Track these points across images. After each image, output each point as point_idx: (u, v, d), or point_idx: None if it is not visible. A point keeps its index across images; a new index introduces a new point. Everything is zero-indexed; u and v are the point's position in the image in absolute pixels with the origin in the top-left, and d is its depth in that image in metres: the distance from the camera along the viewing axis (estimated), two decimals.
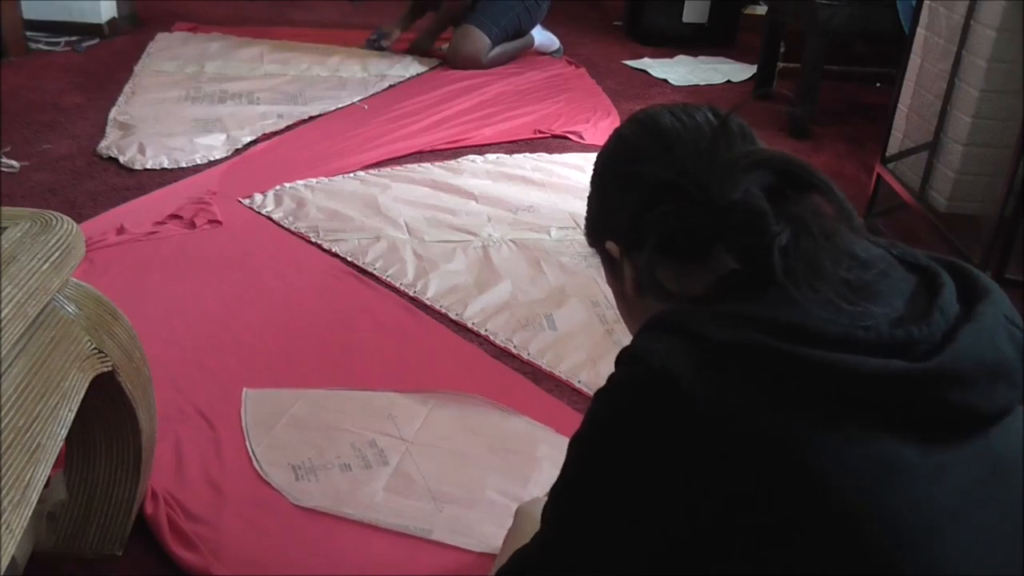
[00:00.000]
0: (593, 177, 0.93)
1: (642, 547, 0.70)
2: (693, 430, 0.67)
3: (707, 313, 0.72)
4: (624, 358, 0.77)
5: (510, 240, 2.22)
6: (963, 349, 0.68)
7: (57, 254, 0.96)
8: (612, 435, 0.75)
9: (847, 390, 0.66)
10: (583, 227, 0.96)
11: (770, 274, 0.71)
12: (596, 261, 2.25)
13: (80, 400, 0.99)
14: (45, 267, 0.93)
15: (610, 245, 0.87)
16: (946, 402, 0.67)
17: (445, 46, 3.63)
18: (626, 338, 1.98)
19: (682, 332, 0.71)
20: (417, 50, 3.68)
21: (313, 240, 2.17)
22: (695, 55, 4.00)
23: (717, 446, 0.66)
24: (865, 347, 0.67)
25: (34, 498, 0.86)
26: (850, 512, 0.64)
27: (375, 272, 2.05)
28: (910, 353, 0.68)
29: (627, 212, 0.83)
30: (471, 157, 2.72)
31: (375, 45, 3.71)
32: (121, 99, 3.02)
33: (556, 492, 0.84)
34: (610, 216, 0.88)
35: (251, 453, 1.47)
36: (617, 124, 3.03)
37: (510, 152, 2.79)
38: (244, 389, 1.62)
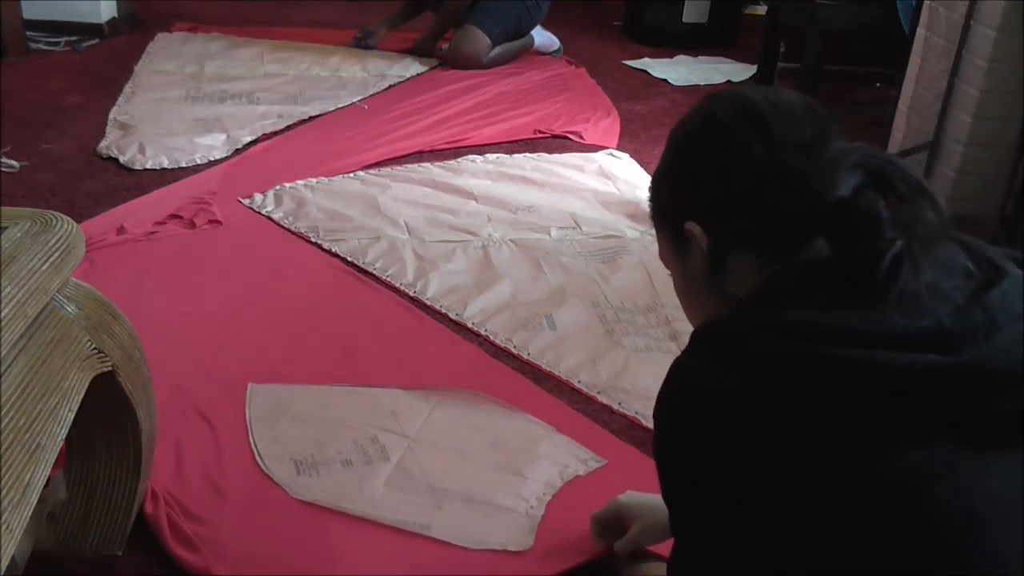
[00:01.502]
0: (674, 154, 0.88)
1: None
2: (741, 450, 0.69)
3: (761, 327, 0.72)
4: (680, 377, 0.77)
5: (510, 240, 2.22)
6: (1001, 347, 0.67)
7: (57, 254, 0.96)
8: (678, 449, 0.76)
9: (884, 386, 0.66)
10: (650, 203, 0.92)
11: (866, 279, 0.70)
12: (596, 261, 2.25)
13: (80, 400, 0.99)
14: (45, 267, 0.93)
15: (691, 226, 0.83)
16: (979, 401, 0.65)
17: (445, 46, 3.63)
18: (626, 338, 1.98)
19: (730, 351, 0.72)
20: (420, 52, 3.68)
21: (313, 240, 2.18)
22: (695, 55, 4.00)
23: (768, 466, 0.67)
24: (902, 342, 0.67)
25: (34, 498, 0.86)
26: (889, 513, 0.64)
27: (375, 272, 2.05)
28: (950, 348, 0.67)
29: (718, 194, 0.81)
30: (471, 157, 2.72)
31: (361, 43, 3.71)
32: (121, 99, 3.02)
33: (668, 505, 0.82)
34: (693, 195, 0.84)
35: (253, 448, 1.48)
36: (617, 124, 3.08)
37: (510, 152, 2.79)
38: (249, 384, 1.62)
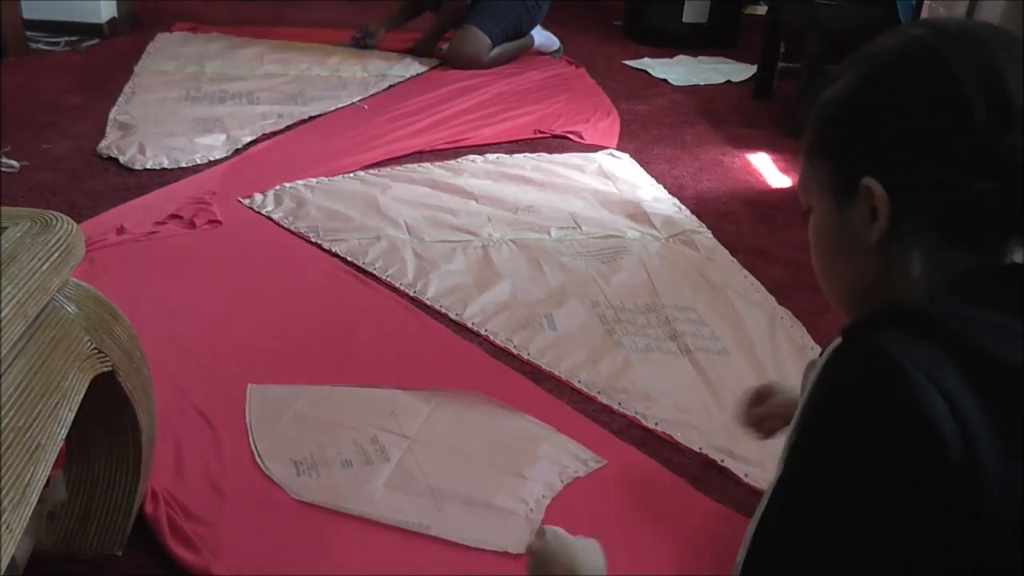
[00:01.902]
0: (875, 85, 0.70)
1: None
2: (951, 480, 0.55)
3: (979, 316, 0.60)
4: (866, 360, 0.59)
5: (510, 240, 2.22)
6: None
7: (57, 254, 0.96)
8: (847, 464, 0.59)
9: None
10: (814, 124, 0.76)
11: None
12: (596, 261, 2.24)
13: (80, 400, 0.99)
14: (45, 267, 0.93)
15: (872, 184, 0.68)
16: None
17: (445, 46, 3.63)
18: (626, 338, 1.97)
19: (950, 341, 0.58)
20: (420, 52, 3.69)
21: (313, 240, 2.17)
22: (695, 55, 4.00)
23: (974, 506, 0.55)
24: None
25: (34, 498, 0.86)
26: None
27: (375, 272, 2.05)
28: None
29: (926, 158, 0.66)
30: (471, 157, 2.72)
31: (360, 44, 3.71)
32: (121, 99, 3.02)
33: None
34: (890, 148, 0.68)
35: (253, 448, 1.48)
36: (617, 124, 3.08)
37: (510, 152, 2.79)
38: (248, 385, 1.62)
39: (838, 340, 0.64)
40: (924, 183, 0.66)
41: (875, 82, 0.70)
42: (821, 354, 0.64)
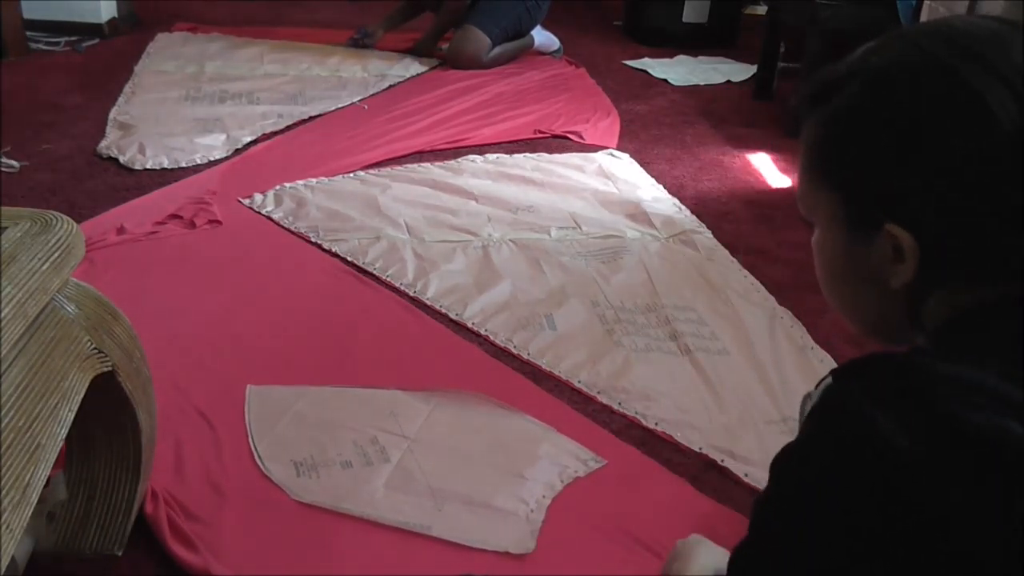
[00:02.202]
0: (881, 115, 0.63)
1: None
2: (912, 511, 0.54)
3: (958, 379, 0.56)
4: (842, 419, 0.58)
5: (510, 240, 2.22)
6: None
7: (57, 254, 0.96)
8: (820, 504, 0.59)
9: None
10: (817, 155, 0.68)
11: None
12: (596, 261, 2.24)
13: (80, 400, 0.99)
14: (45, 267, 0.93)
15: (898, 232, 0.62)
16: None
17: (445, 46, 3.63)
18: (626, 338, 1.97)
19: (924, 404, 0.56)
20: (420, 52, 3.69)
21: (313, 240, 2.17)
22: (695, 55, 4.00)
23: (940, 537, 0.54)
24: None
25: (34, 498, 0.86)
26: None
27: (375, 272, 2.05)
28: None
29: (954, 198, 0.60)
30: (471, 157, 2.72)
31: (358, 44, 3.71)
32: (121, 99, 3.03)
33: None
34: (910, 189, 0.61)
35: (253, 449, 1.47)
36: (617, 124, 3.08)
37: (510, 152, 2.79)
38: (248, 385, 1.62)
39: (829, 379, 0.62)
40: (956, 224, 0.60)
41: (883, 103, 0.63)
42: (817, 386, 0.63)
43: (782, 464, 0.62)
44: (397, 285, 2.00)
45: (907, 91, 0.62)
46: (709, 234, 2.30)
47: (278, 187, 2.42)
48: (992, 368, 0.56)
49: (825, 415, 0.60)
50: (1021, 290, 0.61)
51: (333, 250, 2.13)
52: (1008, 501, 0.52)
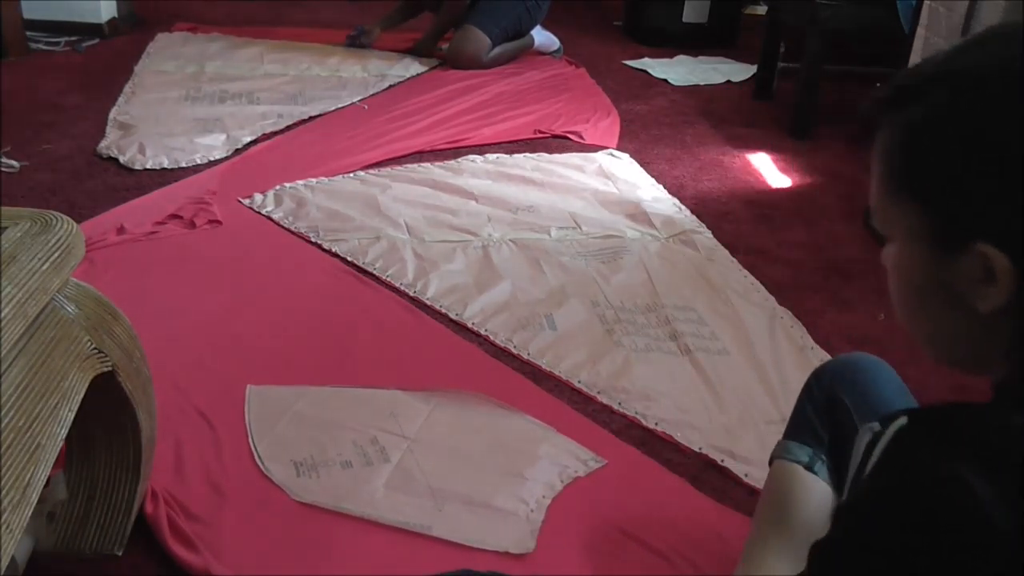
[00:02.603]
0: (975, 125, 0.57)
1: None
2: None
3: None
4: (935, 480, 0.54)
5: (510, 240, 2.22)
6: None
7: (57, 254, 0.96)
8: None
9: None
10: (896, 165, 0.62)
11: None
12: (596, 261, 2.23)
13: (80, 400, 0.99)
14: (45, 267, 0.93)
15: (992, 252, 0.56)
16: None
17: (445, 46, 3.63)
18: (626, 338, 1.96)
19: (999, 459, 0.52)
20: (420, 52, 3.69)
21: (313, 240, 2.17)
22: (695, 55, 4.00)
23: None
24: None
25: (34, 498, 0.86)
26: None
27: (375, 272, 2.05)
28: None
29: None
30: (471, 157, 2.72)
31: (355, 43, 3.72)
32: (121, 99, 3.03)
33: None
34: (1006, 209, 0.56)
35: (253, 449, 1.47)
36: (617, 124, 3.08)
37: (510, 152, 2.79)
38: (248, 386, 1.62)
39: (903, 420, 0.58)
40: None
41: (975, 111, 0.57)
42: (883, 427, 0.59)
43: (855, 511, 0.59)
44: (397, 285, 2.00)
45: (1003, 98, 0.56)
46: (709, 234, 2.30)
47: (278, 187, 2.42)
48: None
49: (908, 470, 0.56)
50: None
51: (333, 250, 2.13)
52: None
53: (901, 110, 0.62)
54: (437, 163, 2.66)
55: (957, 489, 0.51)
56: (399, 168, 2.62)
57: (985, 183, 0.56)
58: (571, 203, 2.43)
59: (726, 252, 2.21)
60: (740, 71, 3.77)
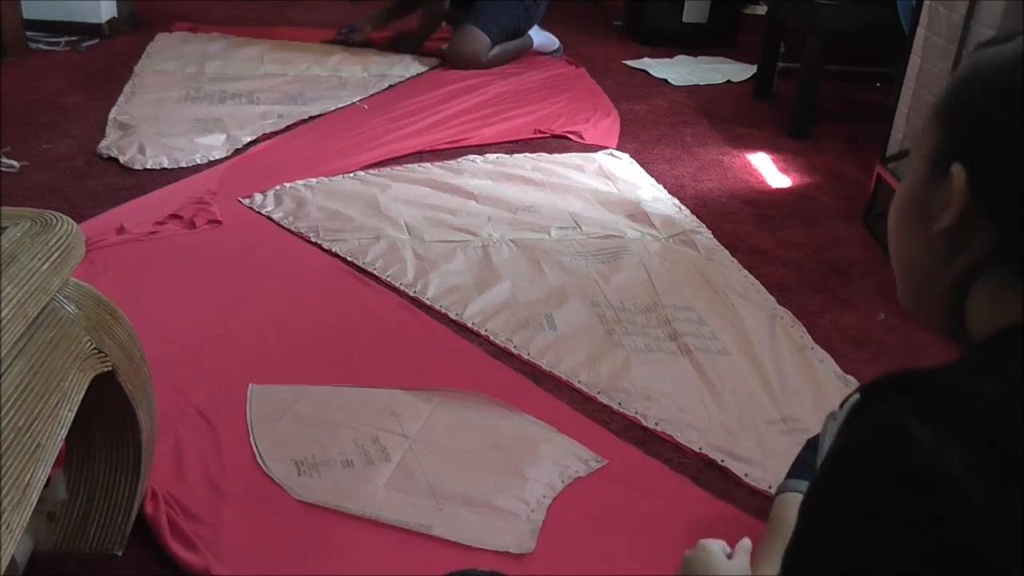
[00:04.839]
0: (1015, 71, 0.60)
1: None
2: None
3: (997, 395, 0.52)
4: (888, 440, 0.53)
5: (510, 240, 2.22)
6: None
7: (57, 254, 0.96)
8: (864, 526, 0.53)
9: None
10: (947, 91, 0.65)
11: None
12: (596, 261, 2.24)
13: (80, 400, 0.99)
14: (45, 267, 0.93)
15: (957, 169, 0.60)
16: None
17: (445, 46, 3.63)
18: (626, 338, 1.97)
19: (985, 437, 0.51)
20: (401, 47, 3.68)
21: (313, 240, 2.17)
22: (695, 55, 4.00)
23: None
24: None
25: (34, 498, 0.86)
26: None
27: (375, 272, 2.05)
28: None
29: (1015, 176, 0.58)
30: (471, 157, 2.72)
31: (346, 39, 3.73)
32: (121, 99, 3.02)
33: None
34: (991, 142, 0.60)
35: (254, 448, 1.48)
36: (617, 124, 3.08)
37: (510, 152, 2.79)
38: (250, 385, 1.62)
39: (857, 397, 0.58)
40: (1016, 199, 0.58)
41: (991, 82, 0.61)
42: (842, 406, 0.59)
43: (818, 487, 0.57)
44: (397, 285, 2.00)
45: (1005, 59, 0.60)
46: (709, 234, 2.30)
47: (278, 187, 2.42)
48: None
49: (855, 432, 0.56)
50: None
51: (333, 250, 2.13)
52: None
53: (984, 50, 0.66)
54: (437, 163, 2.66)
55: (898, 437, 0.51)
56: (399, 168, 2.62)
57: (990, 112, 0.61)
58: (571, 203, 2.43)
59: (726, 252, 2.21)
60: (740, 71, 3.77)
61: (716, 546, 1.03)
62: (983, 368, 0.56)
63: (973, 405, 0.52)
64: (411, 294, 1.97)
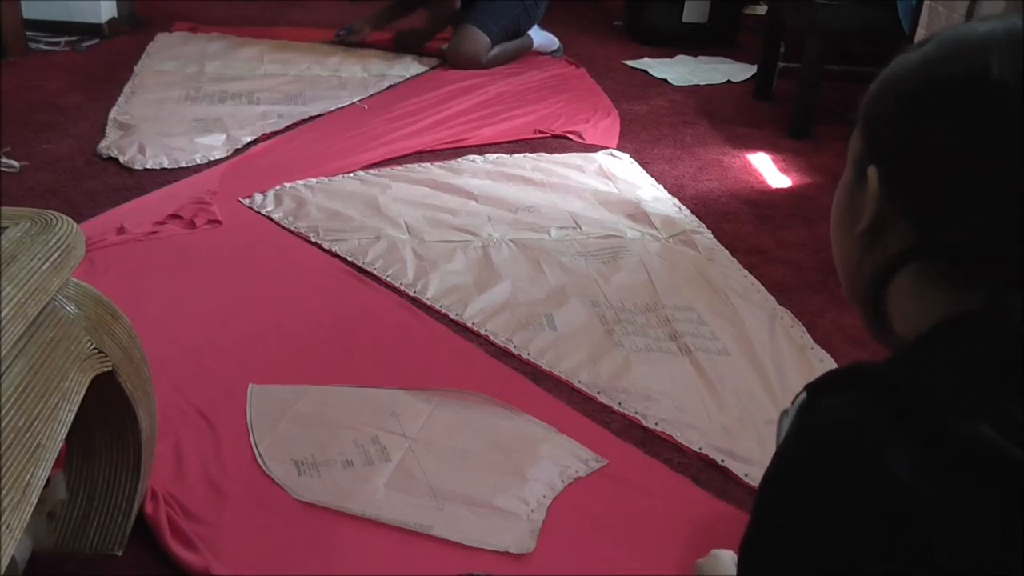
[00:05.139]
0: (920, 73, 0.62)
1: None
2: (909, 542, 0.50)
3: (947, 387, 0.53)
4: (841, 435, 0.54)
5: (510, 240, 2.22)
6: None
7: (57, 254, 0.96)
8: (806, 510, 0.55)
9: None
10: (868, 98, 0.67)
11: None
12: (596, 261, 2.24)
13: (80, 400, 0.99)
14: (45, 267, 0.93)
15: (872, 172, 0.63)
16: None
17: (445, 46, 3.63)
18: (626, 338, 1.97)
19: (911, 415, 0.52)
20: (404, 47, 3.68)
21: (313, 240, 2.17)
22: (695, 55, 4.00)
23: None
24: None
25: (34, 498, 0.86)
26: None
27: (375, 272, 2.04)
28: None
29: (937, 177, 0.59)
30: (471, 157, 2.72)
31: (344, 40, 3.73)
32: (121, 99, 3.02)
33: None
34: (902, 146, 0.62)
35: (254, 448, 1.48)
36: (617, 124, 3.08)
37: (510, 152, 2.79)
38: (250, 385, 1.62)
39: (804, 395, 0.60)
40: (934, 205, 0.60)
41: (928, 65, 0.62)
42: (793, 402, 0.60)
43: (764, 483, 0.58)
44: (397, 285, 2.00)
45: (951, 56, 0.61)
46: (709, 234, 2.30)
47: (278, 187, 2.42)
48: (990, 383, 0.53)
49: (807, 436, 0.56)
50: (1003, 298, 0.57)
51: (333, 250, 2.13)
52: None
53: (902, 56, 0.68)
54: (437, 163, 2.66)
55: (852, 432, 0.53)
56: (399, 168, 2.62)
57: (900, 116, 0.63)
58: (571, 203, 2.43)
59: (726, 252, 2.21)
60: (740, 71, 3.77)
61: (728, 555, 1.04)
62: (929, 362, 0.57)
63: (926, 399, 0.53)
64: (411, 294, 1.97)
